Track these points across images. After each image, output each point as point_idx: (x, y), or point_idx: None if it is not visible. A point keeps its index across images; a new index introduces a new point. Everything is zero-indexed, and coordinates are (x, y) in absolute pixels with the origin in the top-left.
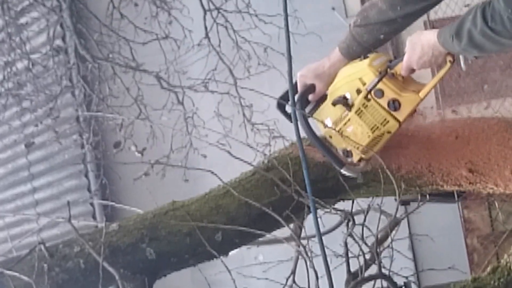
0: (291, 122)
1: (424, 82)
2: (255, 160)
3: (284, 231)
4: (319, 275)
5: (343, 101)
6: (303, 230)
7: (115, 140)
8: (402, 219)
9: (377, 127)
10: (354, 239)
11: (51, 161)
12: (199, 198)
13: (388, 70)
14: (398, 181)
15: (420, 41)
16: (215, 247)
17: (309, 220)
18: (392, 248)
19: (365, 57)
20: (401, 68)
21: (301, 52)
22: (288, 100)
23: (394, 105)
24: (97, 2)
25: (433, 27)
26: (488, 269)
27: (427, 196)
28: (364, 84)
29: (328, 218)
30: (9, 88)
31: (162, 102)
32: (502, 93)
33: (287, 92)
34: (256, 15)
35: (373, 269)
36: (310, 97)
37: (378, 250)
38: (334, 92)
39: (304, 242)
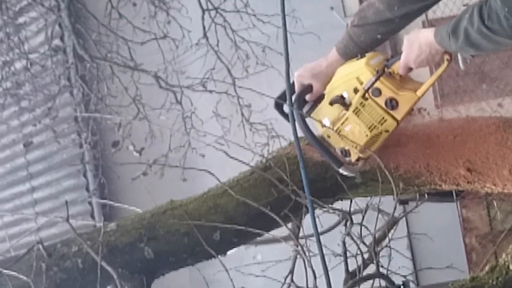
0: (289, 122)
1: (422, 81)
2: (253, 159)
3: (282, 231)
4: (317, 274)
5: (341, 101)
6: (301, 229)
7: (114, 140)
8: (400, 218)
9: (375, 126)
10: (352, 238)
11: (49, 161)
12: (197, 197)
13: (386, 69)
14: (397, 180)
15: (417, 39)
16: (213, 247)
17: (307, 219)
18: (390, 247)
19: (362, 56)
20: (398, 67)
21: (299, 51)
22: (286, 100)
23: (392, 104)
24: (96, 2)
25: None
26: (486, 268)
27: (426, 195)
28: (361, 83)
29: (326, 217)
30: (7, 87)
31: (160, 101)
32: (501, 92)
33: (284, 92)
34: (255, 15)
35: (371, 269)
36: (308, 97)
37: (376, 249)
38: (331, 91)
39: (302, 241)
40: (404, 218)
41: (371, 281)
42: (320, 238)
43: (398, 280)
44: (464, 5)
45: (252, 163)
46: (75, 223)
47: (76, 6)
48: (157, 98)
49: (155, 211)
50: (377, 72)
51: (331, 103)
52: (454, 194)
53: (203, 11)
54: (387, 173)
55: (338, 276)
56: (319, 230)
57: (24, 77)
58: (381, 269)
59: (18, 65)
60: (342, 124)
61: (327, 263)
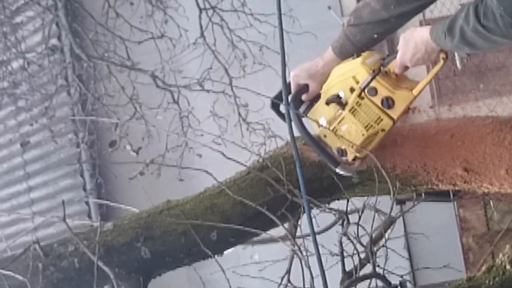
0: (285, 121)
1: (419, 80)
2: (250, 159)
3: (280, 230)
4: (314, 274)
5: (337, 100)
6: (298, 229)
7: (111, 139)
8: (397, 218)
9: (371, 125)
10: (349, 238)
11: (46, 160)
12: (194, 197)
13: (382, 68)
14: (393, 180)
15: (413, 38)
16: (210, 247)
17: (304, 219)
18: (386, 247)
19: (358, 56)
20: (394, 66)
21: (296, 51)
22: (282, 100)
23: (388, 103)
24: (93, 1)
25: None
26: (483, 268)
27: (423, 195)
28: (357, 82)
29: (323, 217)
30: (4, 87)
31: (157, 101)
32: (497, 92)
33: (281, 92)
34: (252, 14)
35: (368, 269)
36: (304, 96)
37: (373, 249)
38: (327, 91)
39: (299, 241)
40: (401, 218)
41: (368, 281)
42: (316, 238)
43: (395, 280)
44: (461, 5)
45: (249, 163)
46: (72, 223)
47: (73, 5)
48: (154, 97)
49: (152, 210)
50: (373, 71)
51: (327, 103)
52: (451, 194)
53: (200, 10)
54: (384, 172)
55: (334, 276)
56: (316, 229)
57: (21, 77)
58: (378, 269)
59: (15, 64)
60: (338, 123)
61: (323, 263)
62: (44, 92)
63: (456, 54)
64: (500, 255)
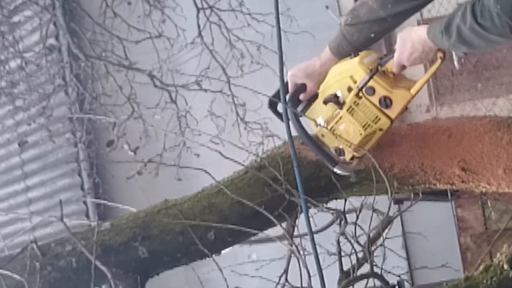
0: (283, 121)
1: (416, 79)
2: (248, 159)
3: (277, 230)
4: (311, 273)
5: (335, 99)
6: (296, 228)
7: (108, 139)
8: (395, 217)
9: (369, 125)
10: (346, 237)
11: (44, 160)
12: (191, 196)
13: (379, 67)
14: (391, 179)
15: (410, 37)
16: (207, 246)
17: (302, 218)
18: (384, 246)
19: (356, 55)
20: (392, 65)
21: (294, 50)
22: (280, 99)
23: (386, 102)
24: (90, 1)
25: None
26: (481, 267)
27: (420, 194)
28: (355, 82)
29: (321, 217)
30: (2, 87)
31: (155, 100)
32: (495, 92)
33: (278, 91)
34: (249, 14)
35: (366, 268)
36: (301, 96)
37: (370, 248)
38: (325, 90)
39: (297, 240)
40: (399, 217)
41: (365, 280)
42: (314, 237)
43: (393, 280)
44: (458, 4)
45: (246, 163)
46: (69, 223)
47: (70, 4)
48: (152, 97)
49: (150, 210)
50: (371, 70)
51: (325, 102)
52: (449, 193)
53: (198, 10)
54: (381, 172)
55: (332, 276)
56: (313, 229)
57: (18, 76)
58: (375, 269)
59: (13, 64)
60: (336, 123)
61: (321, 262)
62: (41, 92)
63: (454, 54)
64: (498, 255)
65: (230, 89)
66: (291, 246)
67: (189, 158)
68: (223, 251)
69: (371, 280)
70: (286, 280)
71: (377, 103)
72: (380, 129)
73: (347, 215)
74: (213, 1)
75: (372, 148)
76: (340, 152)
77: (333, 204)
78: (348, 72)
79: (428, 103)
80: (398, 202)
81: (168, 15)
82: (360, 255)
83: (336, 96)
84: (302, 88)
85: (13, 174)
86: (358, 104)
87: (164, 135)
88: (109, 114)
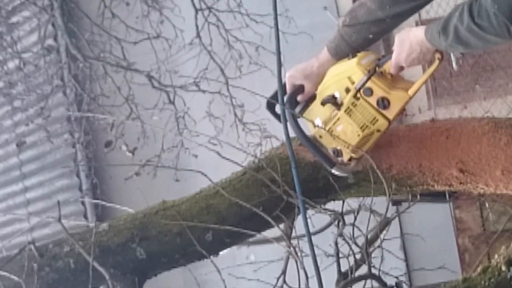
0: (281, 122)
1: (414, 81)
2: (246, 160)
3: (276, 231)
4: (309, 275)
5: (332, 100)
6: (293, 230)
7: (106, 140)
8: (393, 219)
9: (367, 126)
10: (344, 239)
11: (42, 161)
12: (189, 198)
13: (377, 68)
14: (389, 181)
15: (408, 38)
16: (205, 247)
17: (299, 219)
18: (382, 248)
19: (354, 56)
20: (390, 66)
21: (292, 51)
22: (278, 101)
23: (383, 103)
24: (89, 1)
25: None
26: (479, 269)
27: (418, 196)
28: (353, 83)
29: (319, 218)
30: (0, 87)
31: (153, 101)
32: (493, 93)
33: (276, 92)
34: (248, 15)
35: (363, 269)
36: (299, 97)
37: (368, 250)
38: (323, 91)
39: (295, 242)
40: (397, 219)
41: (363, 282)
42: (312, 239)
43: (391, 281)
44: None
45: (244, 163)
46: (67, 223)
47: (69, 5)
48: (150, 98)
49: (147, 211)
50: (369, 71)
51: (323, 103)
52: (447, 194)
53: (196, 10)
54: (379, 173)
55: (330, 277)
56: (311, 230)
57: (17, 77)
58: (373, 270)
59: (11, 64)
60: (334, 124)
61: (319, 263)
62: (40, 92)
63: (452, 55)
64: (496, 256)
65: (228, 90)
66: (289, 247)
67: (187, 159)
68: (221, 252)
69: (369, 281)
70: (284, 281)
71: (375, 104)
72: (378, 130)
73: (345, 217)
74: (211, 2)
75: (370, 149)
76: (338, 153)
77: (331, 205)
78: (346, 73)
79: (427, 104)
80: (396, 203)
81: (166, 16)
82: (358, 256)
83: (334, 97)
84: (300, 89)
85: (11, 174)
86: (356, 105)
87: (162, 136)
88: (107, 115)
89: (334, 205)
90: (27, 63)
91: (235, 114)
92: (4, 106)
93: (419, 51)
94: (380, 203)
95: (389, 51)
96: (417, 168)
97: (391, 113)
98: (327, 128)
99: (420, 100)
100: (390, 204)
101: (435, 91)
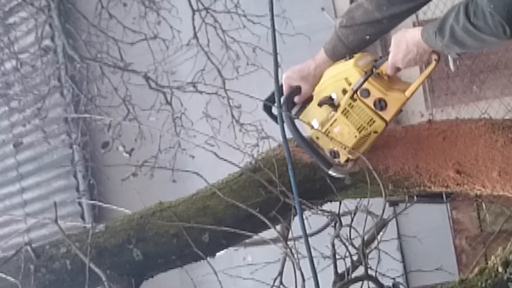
0: (278, 123)
1: (412, 82)
2: (243, 161)
3: (272, 232)
4: (306, 276)
5: (329, 102)
6: (290, 231)
7: (103, 141)
8: (390, 220)
9: (364, 127)
10: (341, 240)
11: (39, 161)
12: (186, 199)
13: (374, 69)
14: (386, 182)
15: (404, 39)
16: (202, 248)
17: (296, 221)
18: (379, 249)
19: (351, 57)
20: (386, 67)
21: (289, 52)
22: (274, 102)
23: (380, 104)
24: (86, 2)
25: None
26: (476, 270)
27: (415, 197)
28: (349, 84)
29: (315, 219)
30: None
31: (150, 102)
32: (490, 94)
33: (273, 94)
34: (245, 15)
35: (360, 271)
36: (296, 98)
37: (365, 251)
38: (320, 93)
39: (291, 243)
40: (394, 220)
41: (360, 283)
42: (308, 240)
43: (387, 282)
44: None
45: (241, 164)
46: (64, 224)
47: (66, 6)
48: (147, 98)
49: (144, 212)
50: (366, 72)
51: (320, 105)
52: (444, 195)
53: (194, 11)
54: (376, 174)
55: (327, 278)
56: (308, 232)
57: (14, 78)
58: (370, 271)
59: (8, 65)
60: (331, 125)
61: (315, 265)
62: (37, 93)
63: (449, 56)
64: (493, 257)
65: (225, 91)
66: (286, 248)
67: (185, 159)
68: (218, 254)
69: (366, 283)
70: (281, 282)
71: (371, 105)
72: (375, 132)
73: (341, 218)
74: (208, 2)
75: (367, 151)
76: (335, 154)
77: (327, 206)
78: (343, 74)
79: (424, 105)
80: (393, 204)
81: (163, 17)
82: (355, 257)
83: (331, 98)
84: (297, 90)
85: (8, 175)
86: (352, 106)
87: (159, 137)
88: (104, 116)
89: (331, 206)
90: (24, 64)
91: (232, 115)
92: (1, 107)
93: (416, 52)
94: (377, 204)
95: (386, 52)
96: (414, 169)
97: (388, 114)
98: (324, 130)
99: (418, 101)
100: (387, 205)
101: (432, 92)
